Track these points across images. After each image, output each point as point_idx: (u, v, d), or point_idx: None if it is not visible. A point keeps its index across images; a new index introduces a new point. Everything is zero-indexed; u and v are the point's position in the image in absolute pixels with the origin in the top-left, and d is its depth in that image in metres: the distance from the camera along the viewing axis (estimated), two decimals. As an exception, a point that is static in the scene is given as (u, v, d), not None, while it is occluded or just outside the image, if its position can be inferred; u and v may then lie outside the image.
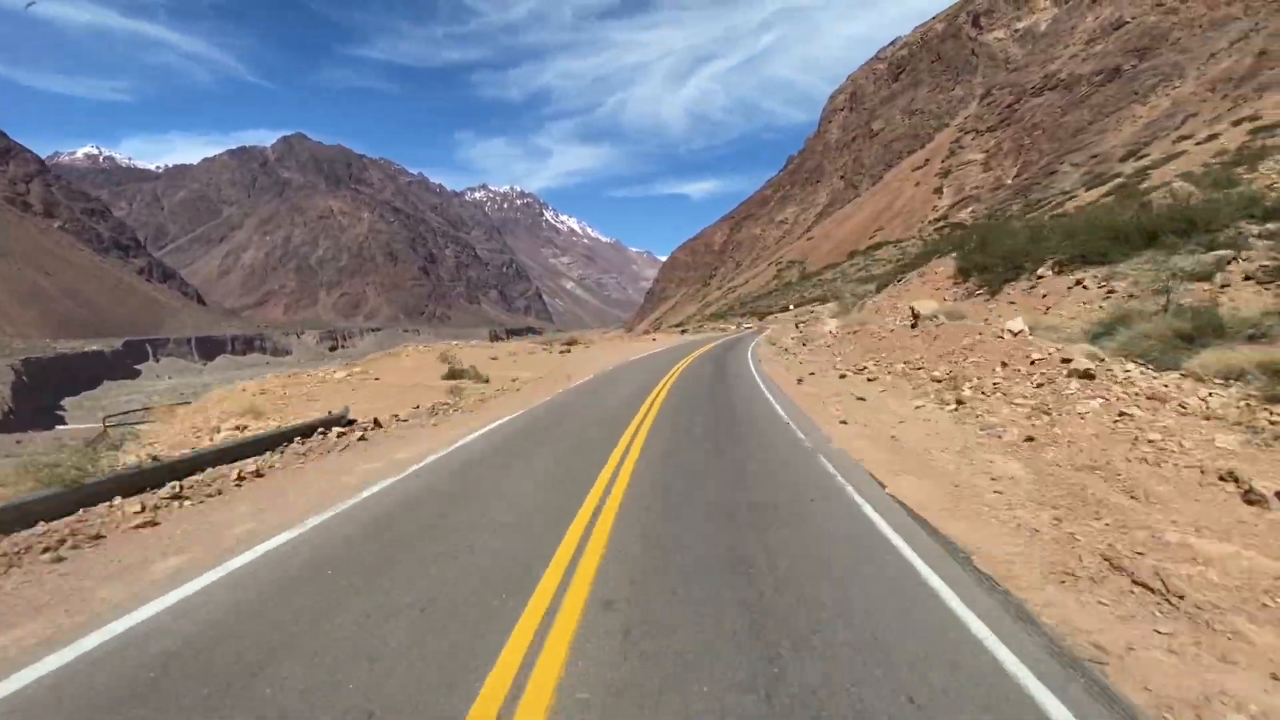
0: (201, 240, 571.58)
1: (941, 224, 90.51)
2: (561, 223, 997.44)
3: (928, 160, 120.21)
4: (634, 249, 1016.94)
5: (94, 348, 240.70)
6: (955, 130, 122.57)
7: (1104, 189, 61.46)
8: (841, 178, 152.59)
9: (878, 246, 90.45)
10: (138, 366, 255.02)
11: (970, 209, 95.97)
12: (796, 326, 45.88)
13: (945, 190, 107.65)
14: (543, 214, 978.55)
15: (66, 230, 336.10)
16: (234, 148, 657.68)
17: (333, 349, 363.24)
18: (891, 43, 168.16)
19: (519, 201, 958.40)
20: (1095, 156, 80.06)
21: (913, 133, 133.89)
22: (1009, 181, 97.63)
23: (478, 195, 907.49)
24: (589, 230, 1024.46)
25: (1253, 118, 58.02)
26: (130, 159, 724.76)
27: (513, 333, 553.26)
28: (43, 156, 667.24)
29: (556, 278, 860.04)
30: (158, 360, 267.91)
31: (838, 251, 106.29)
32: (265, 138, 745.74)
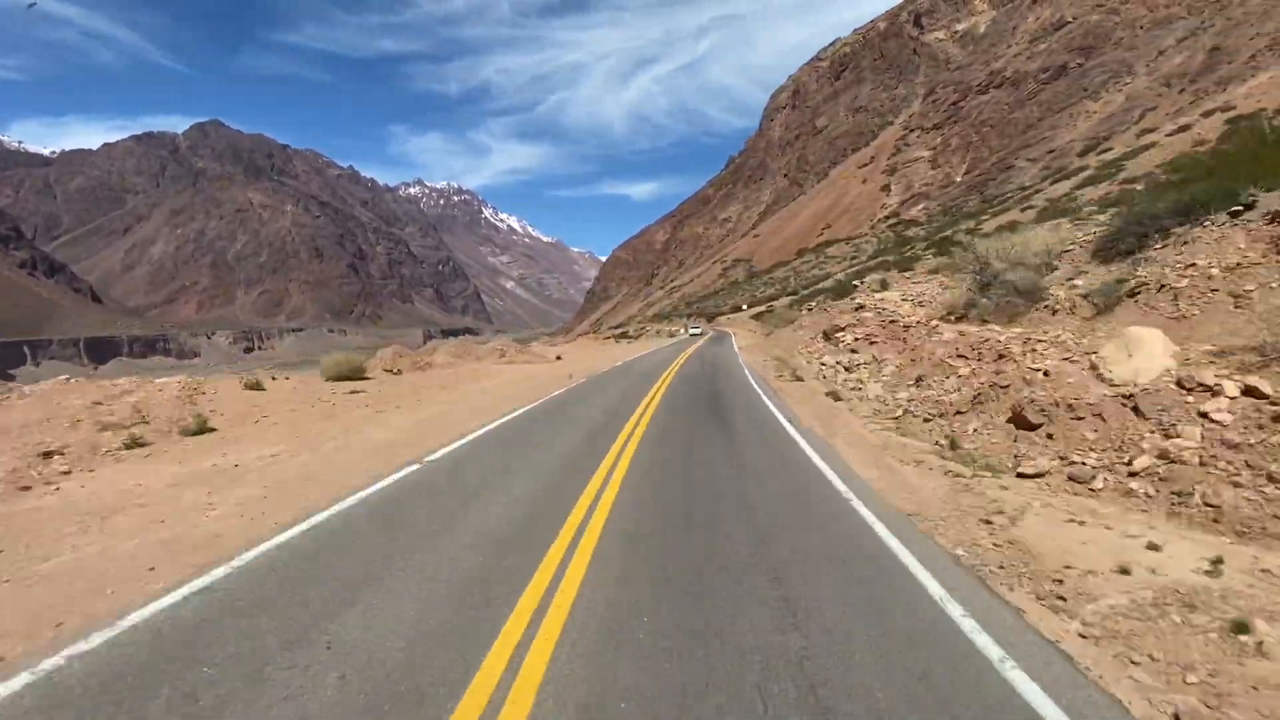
0: (101, 232, 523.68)
1: (893, 221, 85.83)
2: (501, 221, 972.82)
3: (873, 158, 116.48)
4: (576, 249, 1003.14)
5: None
6: (900, 128, 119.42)
7: (1072, 182, 56.98)
8: (785, 175, 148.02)
9: (828, 244, 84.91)
10: (13, 372, 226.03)
11: (921, 206, 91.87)
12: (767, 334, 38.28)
13: (893, 187, 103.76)
14: (482, 212, 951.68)
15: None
16: (140, 133, 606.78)
17: (248, 351, 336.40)
18: (832, 43, 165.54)
19: (457, 198, 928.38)
20: (1052, 151, 76.63)
21: (857, 130, 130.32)
22: (958, 179, 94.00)
23: (413, 191, 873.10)
24: (530, 229, 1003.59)
25: (1225, 108, 54.29)
26: (20, 142, 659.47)
27: (449, 333, 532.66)
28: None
29: (496, 277, 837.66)
30: (38, 364, 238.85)
31: (786, 249, 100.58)
32: (178, 124, 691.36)
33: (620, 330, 75.03)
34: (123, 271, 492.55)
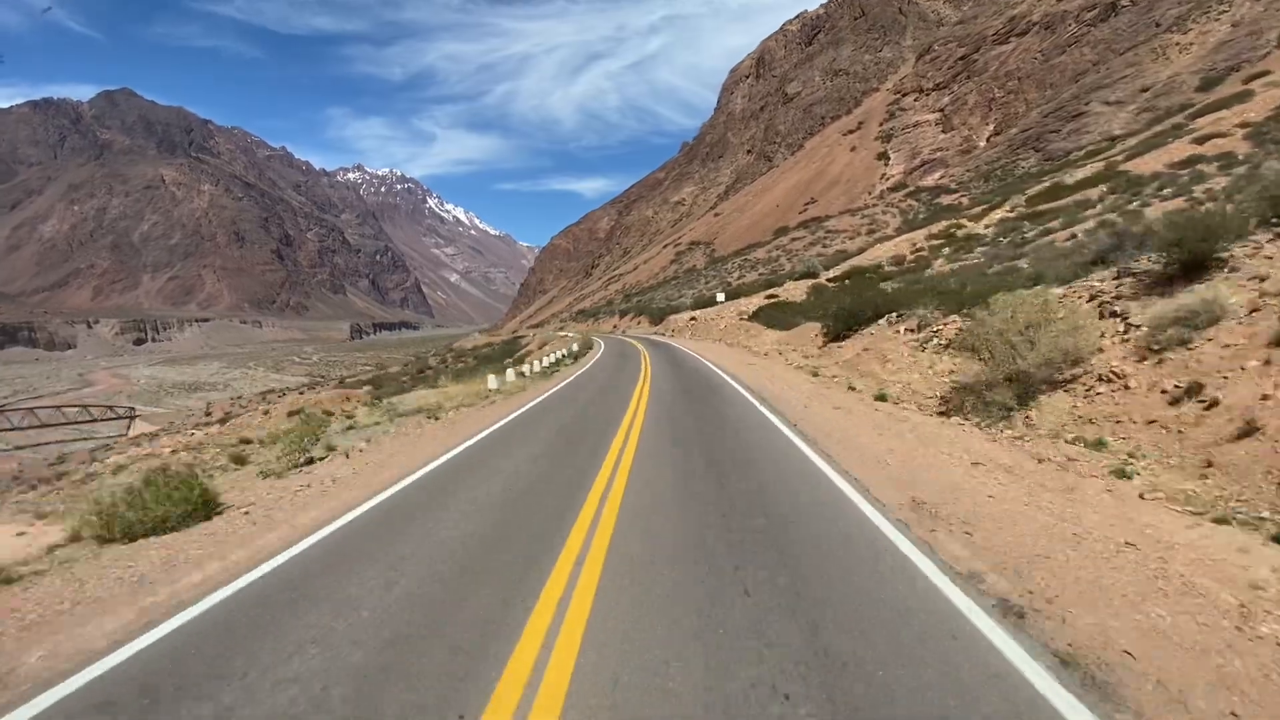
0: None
1: (909, 191, 61.69)
2: (447, 212, 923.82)
3: (861, 124, 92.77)
4: (525, 243, 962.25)
5: None
6: (890, 93, 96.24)
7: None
8: (749, 151, 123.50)
9: (818, 220, 59.99)
10: None
11: (940, 174, 68.22)
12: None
13: (893, 155, 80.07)
14: (427, 201, 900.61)
15: None
16: (38, 99, 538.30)
17: (139, 343, 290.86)
18: (799, 15, 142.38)
19: (399, 186, 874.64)
20: (1146, 90, 53.19)
21: (837, 95, 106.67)
22: (983, 142, 70.50)
23: (351, 176, 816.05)
24: (477, 222, 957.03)
25: None
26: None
27: (383, 327, 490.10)
28: None
29: (439, 269, 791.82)
30: None
31: (759, 228, 75.47)
32: (85, 93, 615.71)
33: (486, 345, 48.25)
34: (8, 251, 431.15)
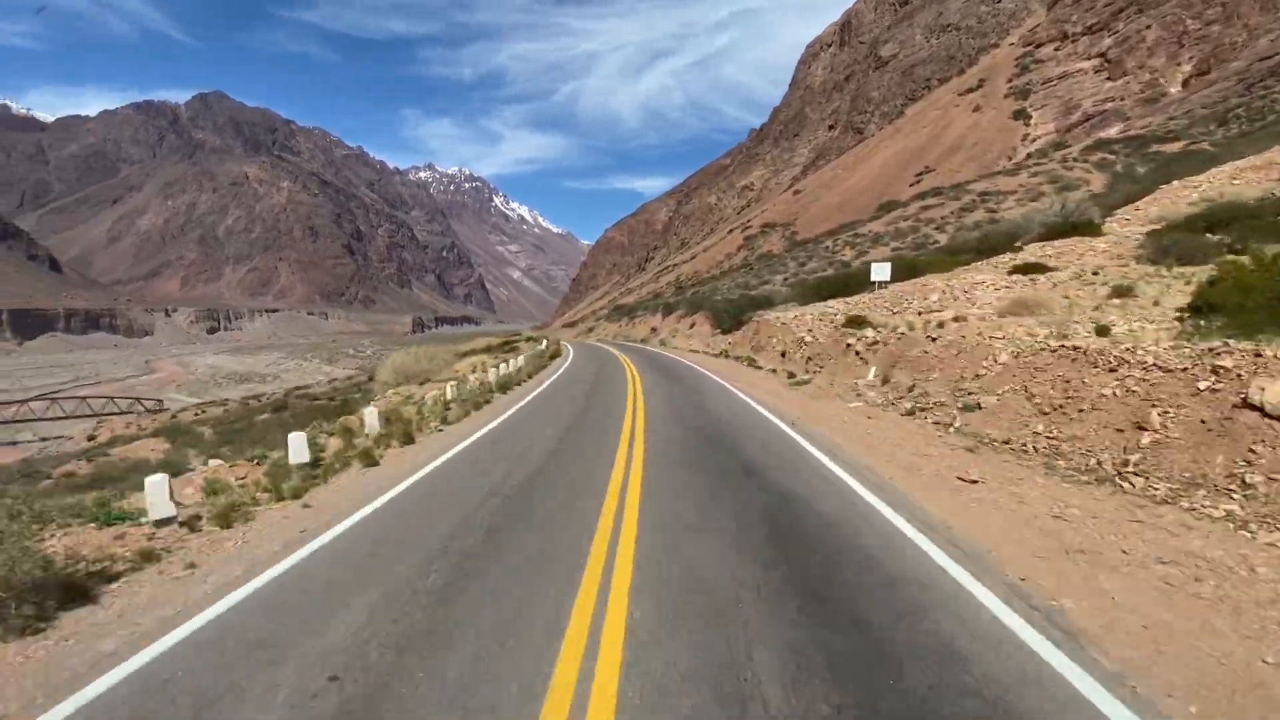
0: (90, 201, 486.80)
1: (1088, 147, 43.16)
2: (512, 210, 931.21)
3: (982, 82, 73.45)
4: (586, 241, 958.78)
5: None
6: (1018, 46, 76.26)
7: None
8: (831, 126, 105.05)
9: (959, 187, 42.32)
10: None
11: (1118, 127, 48.90)
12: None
13: (1037, 112, 60.86)
14: (492, 199, 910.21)
15: None
16: (140, 101, 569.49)
17: (212, 331, 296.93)
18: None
19: (467, 185, 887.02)
20: None
21: (945, 54, 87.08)
22: (1175, 87, 50.41)
23: (422, 175, 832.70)
24: (540, 219, 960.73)
25: None
26: (29, 110, 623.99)
27: (446, 321, 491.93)
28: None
29: (503, 266, 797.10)
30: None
31: (853, 205, 58.10)
32: (182, 96, 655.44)
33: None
34: (109, 243, 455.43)
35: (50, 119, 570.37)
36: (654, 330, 34.01)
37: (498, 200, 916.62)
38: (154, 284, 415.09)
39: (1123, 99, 52.60)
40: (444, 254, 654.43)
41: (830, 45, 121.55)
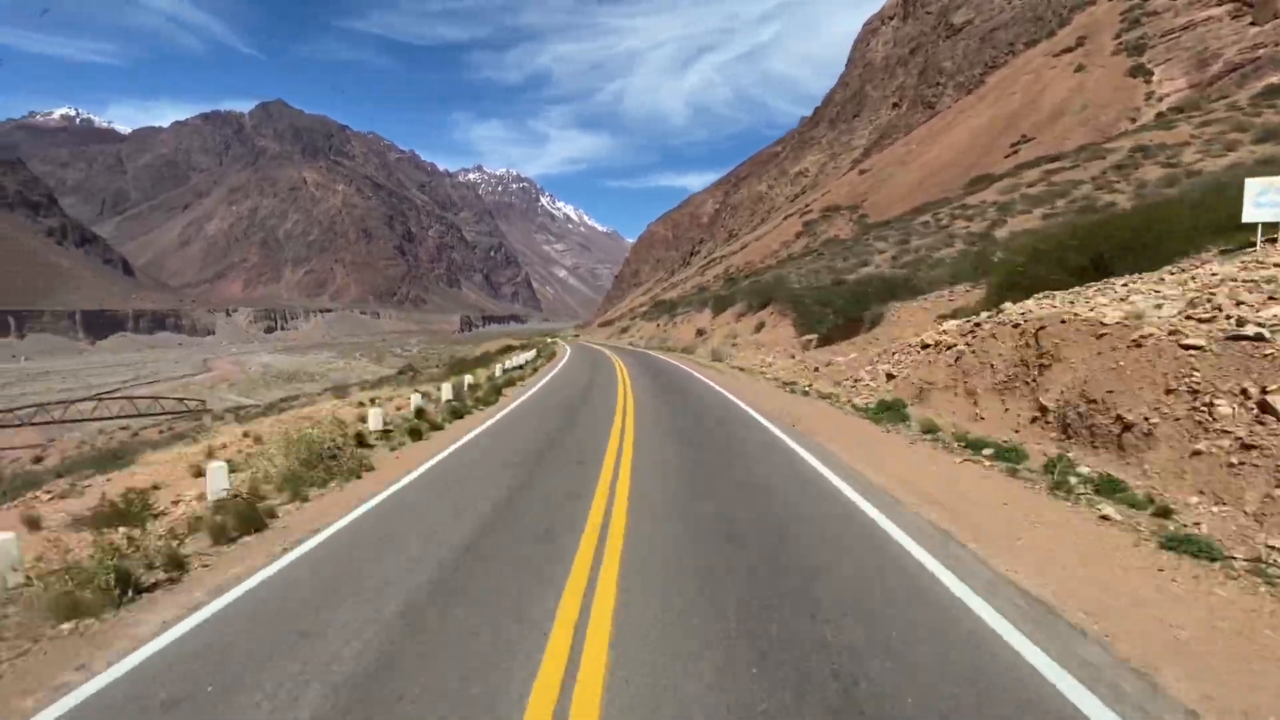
0: (163, 208, 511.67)
1: (1260, 95, 33.83)
2: (558, 209, 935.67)
3: (1082, 40, 63.28)
4: (631, 239, 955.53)
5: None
6: (1119, 0, 65.48)
7: None
8: (895, 104, 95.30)
9: (1093, 147, 33.65)
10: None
11: (1277, 76, 38.84)
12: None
13: (1159, 67, 50.86)
14: (539, 199, 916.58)
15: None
16: (208, 111, 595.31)
17: (269, 331, 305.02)
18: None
19: (515, 186, 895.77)
20: None
21: (1031, 15, 76.58)
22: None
23: (472, 177, 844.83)
24: (586, 218, 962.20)
25: None
26: (110, 123, 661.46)
27: (493, 319, 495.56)
28: (19, 116, 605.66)
29: (549, 265, 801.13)
30: (22, 336, 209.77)
31: (935, 182, 49.63)
32: (246, 105, 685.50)
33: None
34: (180, 247, 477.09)
35: (128, 131, 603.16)
36: (701, 334, 26.77)
37: (544, 200, 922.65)
38: (219, 286, 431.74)
39: (1273, 44, 42.43)
40: (492, 254, 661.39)
41: (892, 18, 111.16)
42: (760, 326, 19.20)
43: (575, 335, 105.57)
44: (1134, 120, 44.87)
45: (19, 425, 79.29)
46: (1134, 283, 8.66)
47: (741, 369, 14.89)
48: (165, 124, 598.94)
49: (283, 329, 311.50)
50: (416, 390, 14.48)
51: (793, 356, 14.93)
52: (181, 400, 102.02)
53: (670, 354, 24.32)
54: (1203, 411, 5.36)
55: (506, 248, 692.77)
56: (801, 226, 54.40)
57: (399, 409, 12.42)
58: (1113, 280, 9.23)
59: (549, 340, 53.24)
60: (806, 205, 65.24)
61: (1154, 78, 49.70)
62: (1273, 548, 4.15)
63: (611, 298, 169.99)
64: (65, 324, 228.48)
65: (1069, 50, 62.46)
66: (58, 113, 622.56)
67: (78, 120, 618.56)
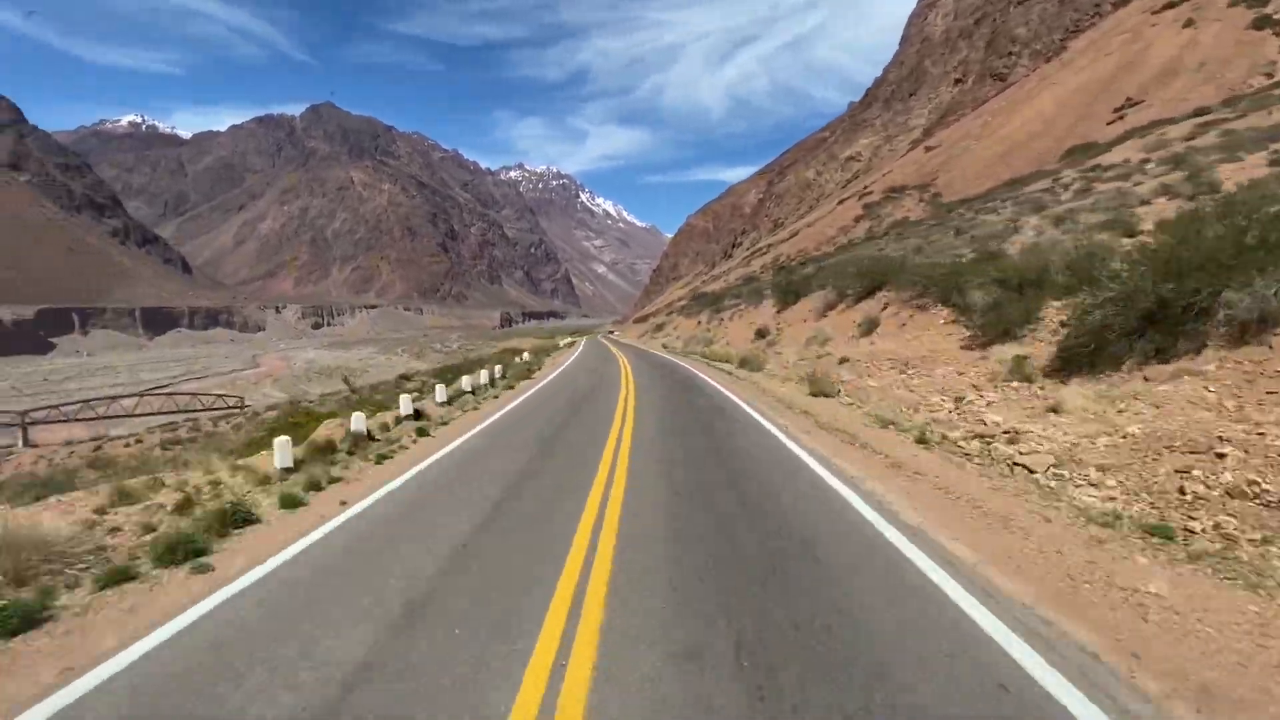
0: (220, 208, 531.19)
1: None
2: (597, 205, 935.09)
3: (1188, -8, 54.69)
4: (669, 234, 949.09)
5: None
6: (1232, -55, 56.37)
7: None
8: (959, 80, 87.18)
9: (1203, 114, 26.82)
10: (54, 340, 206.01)
11: None
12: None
13: (1302, 12, 42.84)
14: (579, 196, 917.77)
15: (33, 185, 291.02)
16: (261, 115, 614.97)
17: (316, 327, 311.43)
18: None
19: (555, 183, 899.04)
20: None
21: (1120, -28, 67.58)
22: None
23: (513, 174, 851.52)
24: (625, 214, 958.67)
25: None
26: (173, 128, 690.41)
27: (533, 315, 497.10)
28: (90, 124, 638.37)
29: (588, 261, 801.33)
30: (85, 333, 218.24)
31: (1022, 155, 42.93)
32: (297, 109, 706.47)
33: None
34: (235, 246, 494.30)
35: (188, 135, 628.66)
36: (763, 335, 20.01)
37: (584, 196, 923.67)
38: (270, 283, 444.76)
39: None
40: (532, 250, 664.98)
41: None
42: (872, 326, 13.55)
43: (610, 332, 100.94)
44: (1270, 75, 37.32)
45: (64, 421, 79.41)
46: None
47: (957, 441, 6.97)
48: (223, 128, 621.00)
49: (329, 325, 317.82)
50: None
51: (1000, 386, 8.11)
52: (220, 397, 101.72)
53: (720, 369, 16.77)
54: None
55: (546, 244, 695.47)
56: (861, 210, 48.33)
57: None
58: None
59: (561, 342, 46.68)
60: (865, 187, 58.73)
61: (1292, 26, 41.81)
62: None
63: (649, 292, 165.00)
64: (126, 320, 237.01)
65: (1171, 5, 54.20)
66: (125, 120, 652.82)
67: (143, 127, 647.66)
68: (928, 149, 57.27)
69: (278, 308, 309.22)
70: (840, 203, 61.24)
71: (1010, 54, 73.53)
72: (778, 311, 21.29)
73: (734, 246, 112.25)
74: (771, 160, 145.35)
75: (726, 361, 17.01)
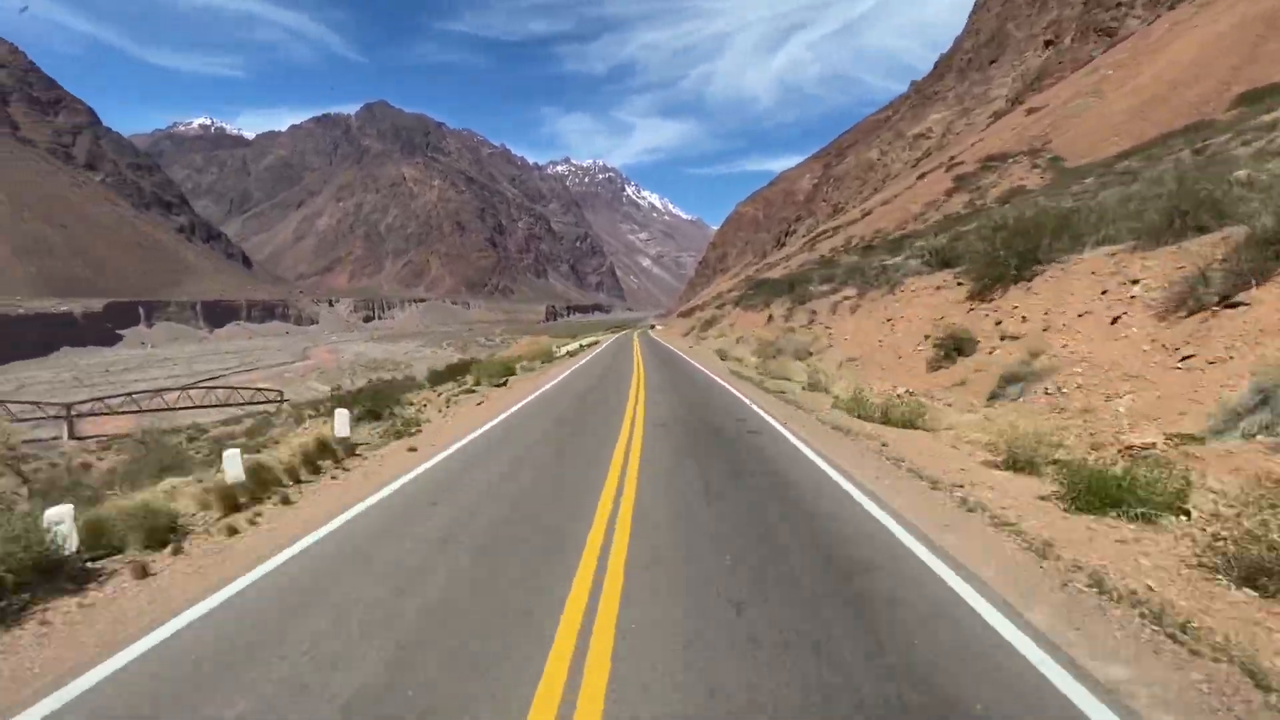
0: (281, 206, 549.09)
1: None
2: (643, 198, 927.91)
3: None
4: (715, 226, 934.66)
5: (64, 308, 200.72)
6: None
7: None
8: (1050, 42, 76.35)
9: None
10: (121, 332, 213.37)
11: None
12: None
13: None
14: (624, 189, 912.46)
15: (107, 184, 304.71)
16: (319, 115, 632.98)
17: (367, 320, 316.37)
18: None
19: (601, 176, 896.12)
20: None
21: (1264, -102, 56.03)
22: None
23: (560, 169, 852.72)
24: (670, 207, 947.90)
25: None
26: (239, 130, 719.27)
27: (577, 309, 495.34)
28: (164, 127, 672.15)
29: (633, 254, 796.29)
30: (150, 325, 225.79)
31: (1167, 107, 33.98)
32: (353, 108, 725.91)
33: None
34: (294, 242, 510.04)
35: (252, 136, 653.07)
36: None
37: (629, 190, 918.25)
38: (327, 278, 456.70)
39: None
40: (577, 244, 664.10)
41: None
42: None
43: (652, 326, 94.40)
44: None
45: (106, 414, 78.40)
46: None
47: None
48: (283, 128, 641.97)
49: (380, 319, 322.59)
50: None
51: None
52: (259, 390, 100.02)
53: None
54: None
55: (592, 238, 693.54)
56: (952, 183, 40.18)
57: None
58: None
59: (562, 349, 35.68)
60: (951, 159, 50.10)
61: None
62: None
63: (695, 284, 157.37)
64: (188, 314, 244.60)
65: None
66: (196, 123, 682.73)
67: (212, 129, 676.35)
68: (1030, 111, 48.11)
69: (331, 301, 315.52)
70: (920, 178, 52.68)
71: (1119, 4, 62.81)
72: (976, 297, 12.95)
73: (787, 234, 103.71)
74: (827, 144, 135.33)
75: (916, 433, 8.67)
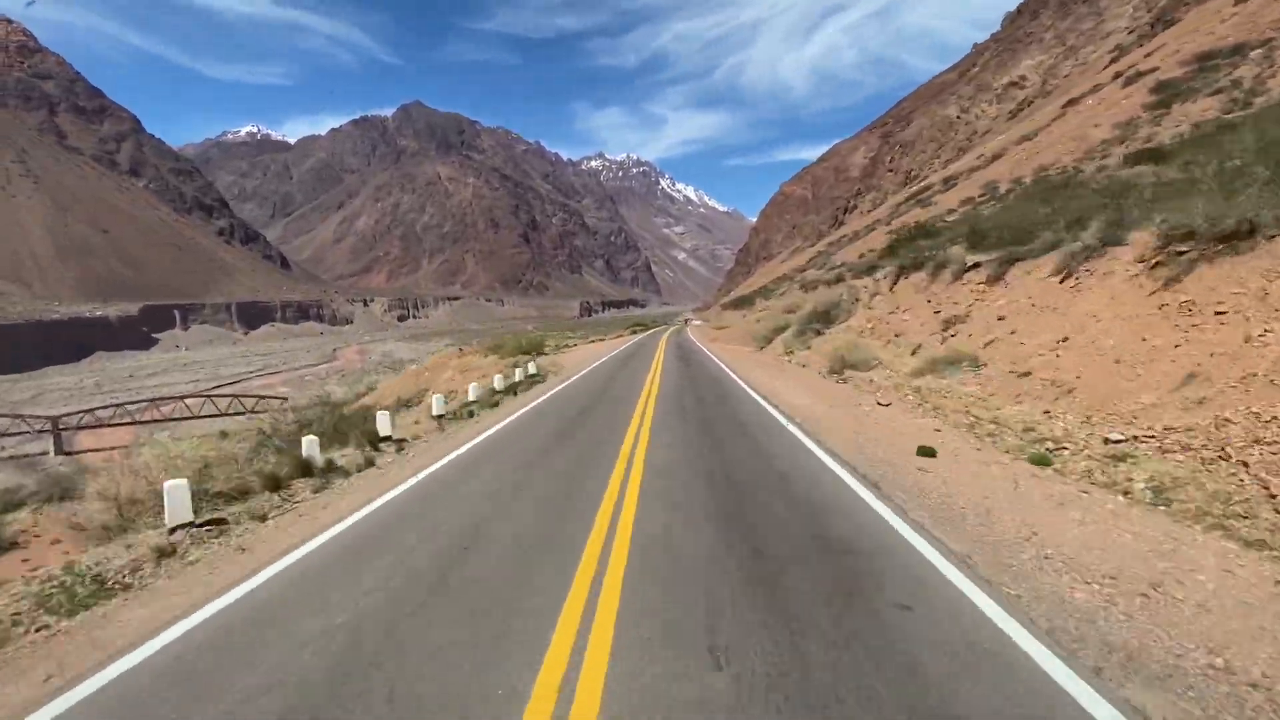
0: (321, 208, 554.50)
1: None
2: (678, 191, 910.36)
3: None
4: (753, 218, 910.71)
5: (99, 313, 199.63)
6: None
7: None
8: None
9: None
10: (157, 335, 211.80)
11: None
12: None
13: None
14: (659, 183, 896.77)
15: (150, 189, 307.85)
16: (358, 117, 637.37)
17: (401, 319, 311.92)
18: None
19: (635, 170, 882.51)
20: None
21: None
22: None
23: (594, 164, 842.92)
24: (706, 199, 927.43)
25: None
26: (283, 135, 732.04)
27: (612, 305, 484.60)
28: (214, 136, 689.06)
29: (668, 248, 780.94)
30: (186, 328, 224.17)
31: None
32: (389, 109, 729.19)
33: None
34: (334, 243, 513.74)
35: (294, 141, 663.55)
36: None
37: (663, 183, 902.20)
38: (365, 278, 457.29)
39: None
40: (612, 239, 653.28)
41: None
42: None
43: (688, 320, 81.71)
44: None
45: (95, 426, 69.72)
46: None
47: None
48: (323, 132, 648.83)
49: (414, 317, 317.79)
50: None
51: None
52: (261, 399, 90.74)
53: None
54: None
55: (627, 232, 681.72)
56: (1149, 95, 26.23)
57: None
58: None
59: (520, 372, 27.30)
60: (1129, 68, 35.02)
61: None
62: None
63: (734, 275, 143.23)
64: (223, 315, 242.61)
65: None
66: (243, 130, 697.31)
67: (258, 135, 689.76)
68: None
69: (365, 300, 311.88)
70: (1066, 105, 38.09)
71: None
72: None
73: (846, 211, 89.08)
74: (884, 113, 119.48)
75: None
